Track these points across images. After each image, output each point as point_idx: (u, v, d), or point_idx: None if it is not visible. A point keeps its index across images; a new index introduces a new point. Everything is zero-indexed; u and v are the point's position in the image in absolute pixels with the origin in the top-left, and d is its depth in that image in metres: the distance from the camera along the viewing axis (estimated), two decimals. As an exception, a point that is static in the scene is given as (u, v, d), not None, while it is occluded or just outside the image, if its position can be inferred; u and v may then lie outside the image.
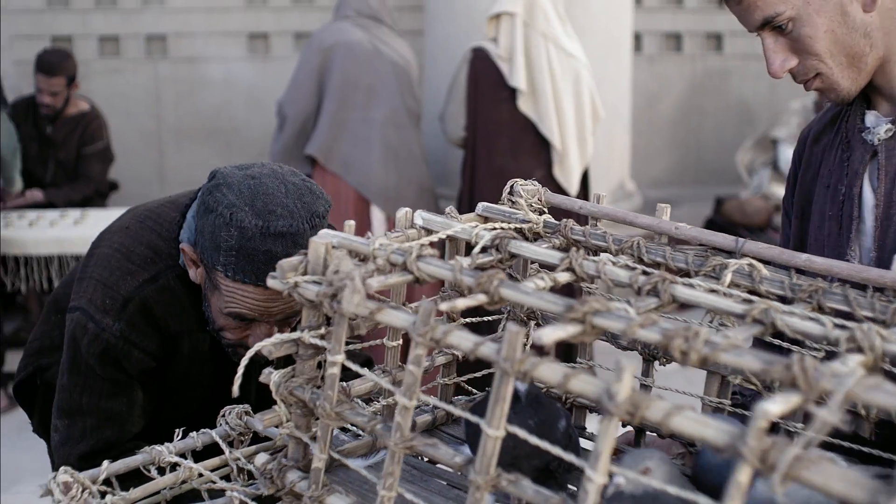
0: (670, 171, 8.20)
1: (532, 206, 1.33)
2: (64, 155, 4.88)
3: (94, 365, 1.61)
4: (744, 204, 6.00)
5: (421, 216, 1.25)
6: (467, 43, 5.24)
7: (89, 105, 4.99)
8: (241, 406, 1.35)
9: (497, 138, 3.94)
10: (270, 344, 1.09)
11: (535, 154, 3.86)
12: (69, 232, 4.27)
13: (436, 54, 4.96)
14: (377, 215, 3.84)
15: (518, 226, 1.30)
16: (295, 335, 1.10)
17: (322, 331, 1.10)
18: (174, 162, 7.65)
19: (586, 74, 3.93)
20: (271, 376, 1.13)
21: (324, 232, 1.14)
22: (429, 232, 1.25)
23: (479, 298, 1.00)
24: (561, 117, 3.84)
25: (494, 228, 1.25)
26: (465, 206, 3.72)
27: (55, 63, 4.70)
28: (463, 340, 0.92)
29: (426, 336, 0.94)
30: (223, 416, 1.35)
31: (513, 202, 1.32)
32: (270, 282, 1.10)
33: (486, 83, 3.94)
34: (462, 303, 1.01)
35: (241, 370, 1.10)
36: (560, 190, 3.73)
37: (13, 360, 4.41)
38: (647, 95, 7.86)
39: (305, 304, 1.08)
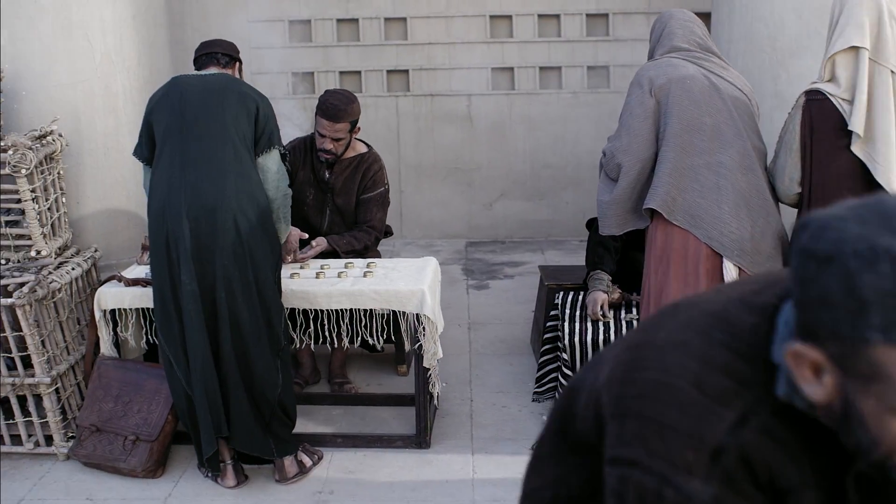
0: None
1: None
2: (342, 201, 4.62)
3: None
4: None
5: None
6: (768, 81, 4.78)
7: (367, 146, 4.73)
8: None
9: (837, 193, 3.43)
10: None
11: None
12: (362, 285, 3.98)
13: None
14: (730, 271, 3.38)
15: None
16: None
17: None
18: (413, 200, 7.42)
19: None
20: None
21: None
22: None
23: None
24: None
25: None
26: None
27: (340, 108, 4.44)
28: None
29: None
30: None
31: None
32: None
33: (824, 130, 3.43)
34: None
35: None
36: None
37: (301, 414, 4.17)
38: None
39: None
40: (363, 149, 4.72)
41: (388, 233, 4.79)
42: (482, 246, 7.41)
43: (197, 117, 3.65)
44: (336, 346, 4.10)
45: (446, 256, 6.99)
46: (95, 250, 4.47)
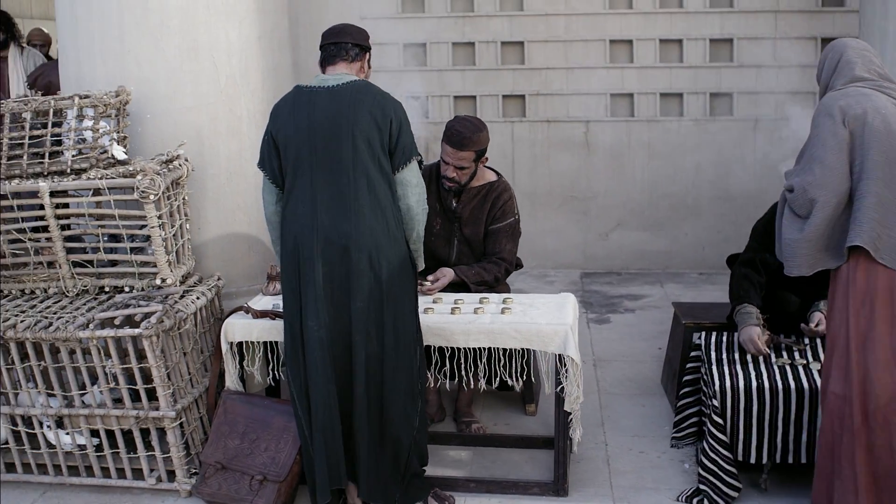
0: None
1: None
2: (470, 231, 4.40)
3: None
4: None
5: None
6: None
7: (496, 174, 4.51)
8: None
9: None
10: None
11: None
12: (501, 322, 3.75)
13: None
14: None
15: None
16: None
17: None
18: (526, 228, 7.14)
19: None
20: None
21: None
22: None
23: None
24: None
25: None
26: None
27: (465, 136, 4.22)
28: None
29: None
30: None
31: None
32: None
33: None
34: None
35: None
36: None
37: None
38: None
39: None
40: (492, 177, 4.50)
41: (518, 265, 4.56)
42: (598, 277, 7.13)
43: (327, 144, 3.40)
44: (472, 385, 3.86)
45: (561, 287, 6.74)
46: (219, 279, 4.34)
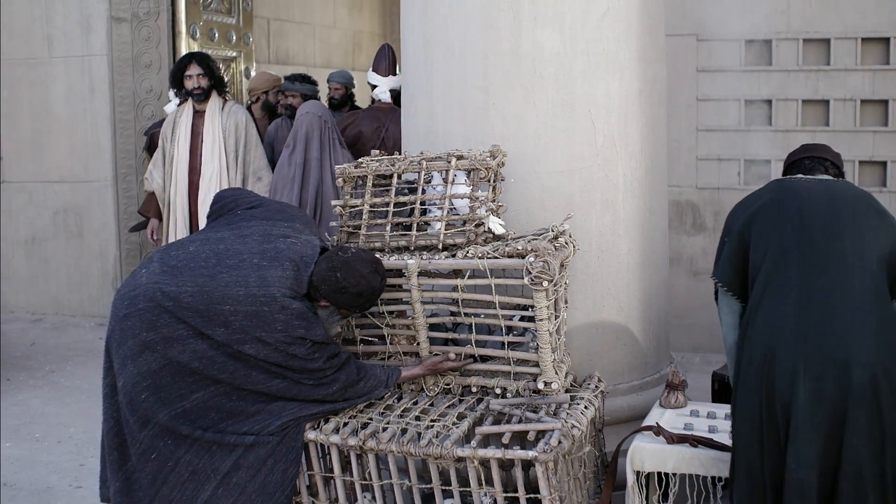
0: None
1: None
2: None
3: None
4: None
5: None
6: None
7: None
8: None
9: None
10: None
11: None
12: None
13: None
14: None
15: None
16: None
17: None
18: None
19: None
20: None
21: None
22: None
23: None
24: None
25: None
26: None
27: None
28: None
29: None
30: None
31: None
32: None
33: None
34: None
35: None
36: None
37: None
38: None
39: None
40: None
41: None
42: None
43: (826, 237, 2.68)
44: None
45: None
46: (599, 380, 3.54)
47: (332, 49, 10.15)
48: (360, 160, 3.53)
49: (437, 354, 3.35)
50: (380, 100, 6.29)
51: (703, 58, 6.14)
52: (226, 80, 7.10)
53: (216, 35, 7.45)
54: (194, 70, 5.68)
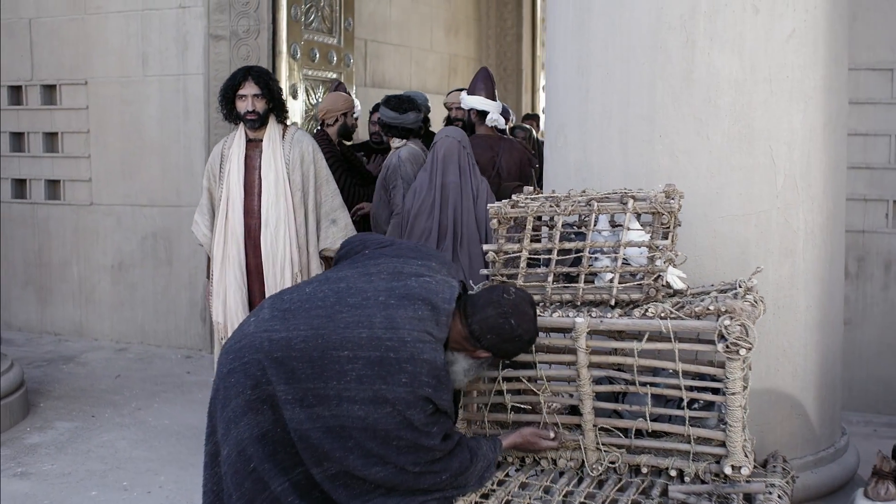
0: None
1: None
2: None
3: None
4: None
5: None
6: None
7: None
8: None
9: None
10: None
11: None
12: None
13: None
14: None
15: None
16: None
17: None
18: None
19: None
20: None
21: None
22: None
23: None
24: None
25: None
26: None
27: None
28: None
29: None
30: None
31: None
32: None
33: None
34: None
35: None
36: None
37: None
38: None
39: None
40: None
41: None
42: None
43: None
44: None
45: None
46: (785, 461, 3.04)
47: (427, 73, 9.77)
48: (515, 199, 3.06)
49: (529, 425, 2.90)
50: (493, 127, 5.86)
51: (849, 88, 5.59)
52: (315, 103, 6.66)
53: (317, 55, 7.08)
54: (250, 90, 4.52)
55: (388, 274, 2.74)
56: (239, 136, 4.63)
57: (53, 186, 7.51)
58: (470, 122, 5.87)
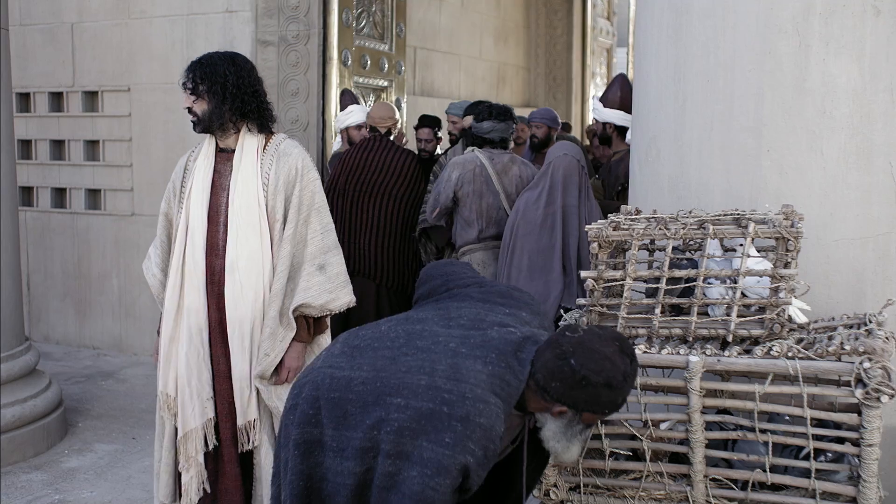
0: None
1: None
2: None
3: None
4: None
5: None
6: None
7: None
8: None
9: None
10: None
11: None
12: None
13: None
14: None
15: None
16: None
17: None
18: None
19: None
20: None
21: None
22: None
23: None
24: None
25: None
26: None
27: None
28: None
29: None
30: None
31: None
32: None
33: None
34: None
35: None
36: None
37: None
38: None
39: None
40: None
41: None
42: None
43: None
44: None
45: None
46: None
47: (476, 81, 9.47)
48: (615, 220, 2.74)
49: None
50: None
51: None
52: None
53: (368, 62, 6.79)
54: (186, 86, 3.24)
55: (468, 320, 2.38)
56: (208, 143, 3.30)
57: (94, 196, 7.28)
58: (606, 136, 5.22)
